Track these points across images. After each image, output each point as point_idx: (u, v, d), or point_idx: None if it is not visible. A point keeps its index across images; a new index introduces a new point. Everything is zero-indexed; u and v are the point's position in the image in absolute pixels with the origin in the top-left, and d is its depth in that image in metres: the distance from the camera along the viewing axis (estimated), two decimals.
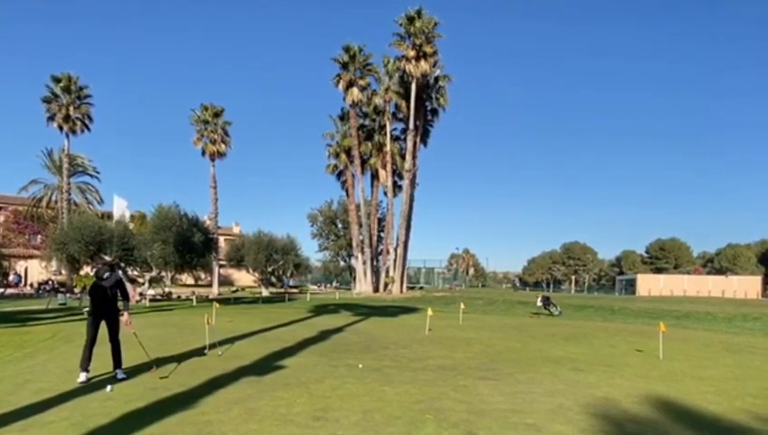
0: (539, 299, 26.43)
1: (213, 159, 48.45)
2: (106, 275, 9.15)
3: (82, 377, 8.61)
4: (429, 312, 18.12)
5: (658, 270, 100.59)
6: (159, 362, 10.15)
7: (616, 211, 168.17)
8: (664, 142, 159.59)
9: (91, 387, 8.24)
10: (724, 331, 20.27)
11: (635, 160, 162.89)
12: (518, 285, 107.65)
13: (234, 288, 55.88)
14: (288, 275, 50.18)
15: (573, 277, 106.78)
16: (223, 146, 48.40)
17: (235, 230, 73.97)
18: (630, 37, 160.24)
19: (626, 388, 8.70)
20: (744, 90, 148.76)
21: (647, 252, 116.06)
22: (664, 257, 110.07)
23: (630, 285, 77.34)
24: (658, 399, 7.97)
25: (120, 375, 8.90)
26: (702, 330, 20.27)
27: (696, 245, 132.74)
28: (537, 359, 11.60)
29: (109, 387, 8.07)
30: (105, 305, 9.05)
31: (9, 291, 45.93)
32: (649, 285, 71.95)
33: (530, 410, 7.06)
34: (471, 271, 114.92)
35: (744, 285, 68.86)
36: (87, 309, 9.30)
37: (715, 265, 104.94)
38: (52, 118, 45.73)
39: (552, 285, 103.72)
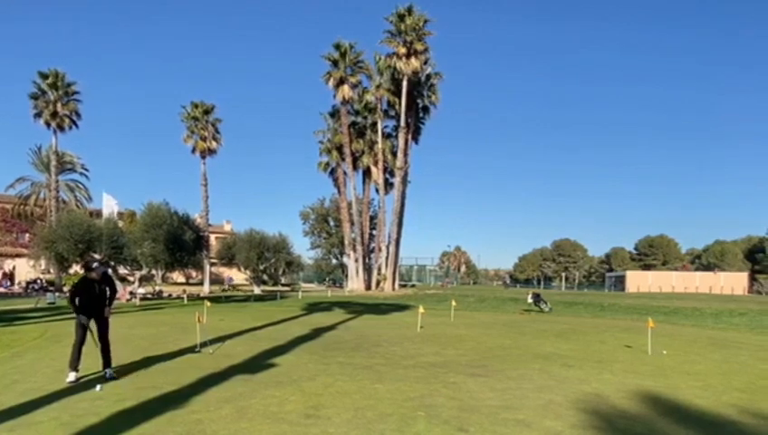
0: (529, 296, 26.53)
1: (203, 157, 48.09)
2: (95, 265, 8.86)
3: (71, 377, 8.41)
4: (421, 309, 18.03)
5: (647, 267, 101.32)
6: (150, 361, 10.01)
7: (605, 208, 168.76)
8: (653, 138, 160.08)
9: (80, 387, 8.05)
10: (712, 326, 20.42)
11: (624, 157, 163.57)
12: (509, 282, 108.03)
13: (225, 286, 55.18)
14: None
15: (564, 274, 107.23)
16: (213, 143, 48.08)
17: (227, 228, 73.14)
18: (620, 30, 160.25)
19: (615, 383, 8.74)
20: (737, 86, 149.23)
21: (635, 249, 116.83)
22: (652, 254, 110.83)
23: (620, 282, 77.94)
24: (647, 394, 8.01)
25: (110, 375, 8.69)
26: (690, 326, 20.41)
27: (684, 241, 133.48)
28: (527, 355, 11.63)
29: (98, 386, 7.91)
30: (92, 303, 8.74)
31: None
32: (638, 281, 72.52)
33: (520, 407, 7.07)
34: (463, 268, 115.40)
35: (731, 281, 69.47)
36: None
37: (703, 261, 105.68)
38: (39, 114, 44.91)
39: (542, 282, 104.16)
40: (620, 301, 34.33)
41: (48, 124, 45.16)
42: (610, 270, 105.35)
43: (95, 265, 8.84)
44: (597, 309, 27.61)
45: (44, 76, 45.03)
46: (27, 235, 55.37)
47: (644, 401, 7.55)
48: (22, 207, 54.14)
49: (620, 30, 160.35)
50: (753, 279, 78.09)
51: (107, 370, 8.77)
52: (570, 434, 5.98)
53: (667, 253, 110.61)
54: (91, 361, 8.89)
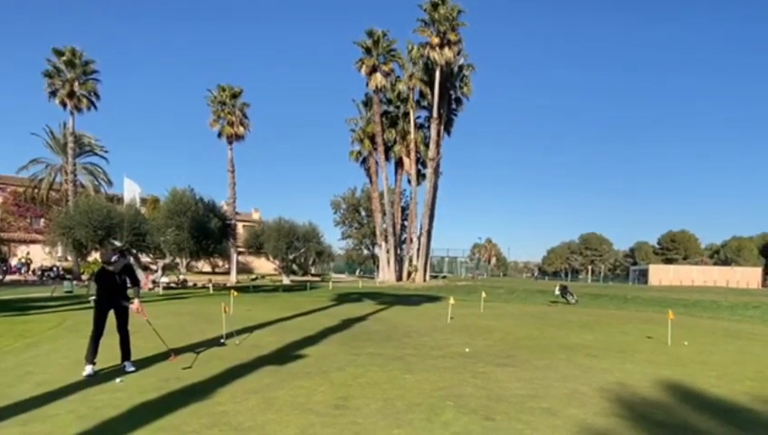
0: (557, 288, 26.32)
1: (230, 142, 44.65)
2: (113, 258, 7.99)
3: (88, 370, 7.74)
4: (451, 300, 17.86)
5: (669, 261, 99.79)
6: (176, 351, 9.36)
7: (630, 203, 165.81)
8: (674, 136, 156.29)
9: (99, 379, 7.53)
10: (727, 318, 20.20)
11: (649, 153, 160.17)
12: (538, 274, 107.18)
13: (253, 276, 51.98)
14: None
15: (590, 267, 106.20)
16: (241, 128, 44.72)
17: (255, 216, 68.66)
18: (652, 23, 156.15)
19: (636, 372, 8.71)
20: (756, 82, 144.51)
21: (658, 243, 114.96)
22: (674, 249, 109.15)
23: (643, 275, 76.93)
24: (666, 383, 7.98)
25: (129, 368, 8.05)
26: (707, 318, 20.15)
27: (703, 237, 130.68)
28: (554, 346, 11.56)
29: (119, 379, 7.45)
30: (113, 293, 8.04)
31: (9, 277, 41.51)
32: (660, 275, 71.62)
33: (546, 395, 7.04)
34: (493, 260, 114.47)
35: (747, 276, 68.87)
36: (93, 297, 8.23)
37: (721, 256, 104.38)
38: (54, 93, 41.12)
39: (569, 275, 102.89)
40: (643, 293, 33.76)
41: (64, 104, 41.26)
42: (634, 264, 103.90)
43: (114, 258, 8.03)
44: (621, 301, 27.22)
45: (60, 53, 41.00)
46: (42, 220, 50.74)
47: (664, 390, 7.54)
48: (35, 190, 49.47)
49: (637, 23, 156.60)
50: (766, 274, 77.22)
51: (126, 362, 8.19)
52: (593, 422, 5.95)
53: (687, 248, 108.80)
54: (110, 353, 8.29)
